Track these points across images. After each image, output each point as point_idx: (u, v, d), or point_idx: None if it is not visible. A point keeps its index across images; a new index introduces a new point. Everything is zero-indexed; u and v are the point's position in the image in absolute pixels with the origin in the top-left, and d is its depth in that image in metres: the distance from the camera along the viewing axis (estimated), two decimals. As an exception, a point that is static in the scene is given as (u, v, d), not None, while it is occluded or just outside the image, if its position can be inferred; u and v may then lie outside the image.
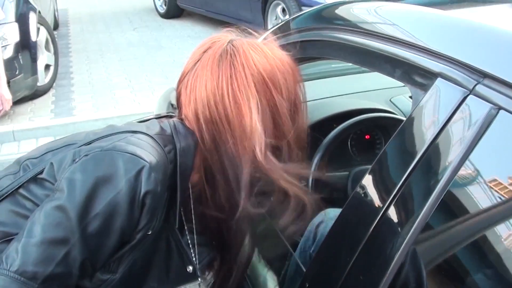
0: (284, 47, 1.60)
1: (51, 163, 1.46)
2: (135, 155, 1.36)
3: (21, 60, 6.36)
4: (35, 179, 1.47)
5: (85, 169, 1.35)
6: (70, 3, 13.13)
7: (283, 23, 2.01)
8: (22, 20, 6.47)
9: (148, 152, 1.39)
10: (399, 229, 1.13)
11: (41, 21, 7.24)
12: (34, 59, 6.67)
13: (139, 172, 1.34)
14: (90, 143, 1.46)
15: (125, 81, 7.61)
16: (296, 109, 1.56)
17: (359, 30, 1.48)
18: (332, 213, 1.98)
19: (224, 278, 1.77)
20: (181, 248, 1.59)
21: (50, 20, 8.71)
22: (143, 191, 1.35)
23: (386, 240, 1.16)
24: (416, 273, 1.14)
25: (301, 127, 1.58)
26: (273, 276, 1.86)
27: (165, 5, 11.50)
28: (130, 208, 1.35)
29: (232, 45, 1.52)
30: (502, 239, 0.97)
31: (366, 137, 2.66)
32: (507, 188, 0.97)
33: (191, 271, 1.62)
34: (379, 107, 2.71)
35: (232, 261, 1.74)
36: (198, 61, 1.53)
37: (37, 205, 1.40)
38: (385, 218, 1.16)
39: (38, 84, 6.90)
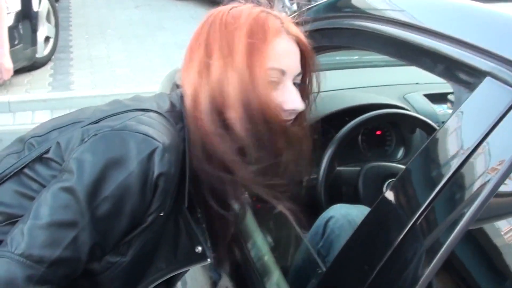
0: (310, 34, 1.52)
1: (58, 142, 1.39)
2: (148, 136, 1.29)
3: (21, 30, 6.28)
4: (40, 159, 1.40)
5: (95, 150, 1.29)
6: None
7: (304, 10, 1.94)
8: (24, -11, 6.39)
9: (161, 132, 1.32)
10: (436, 235, 1.06)
11: (44, -9, 7.13)
12: (34, 30, 6.61)
13: (151, 154, 1.28)
14: (98, 122, 1.39)
15: (125, 59, 7.55)
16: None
17: (396, 21, 1.40)
18: (343, 209, 1.92)
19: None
20: (190, 228, 1.53)
21: (52, -9, 8.63)
22: (156, 173, 1.29)
23: (417, 252, 1.08)
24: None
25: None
26: (279, 268, 1.80)
27: (169, -16, 11.42)
28: (141, 191, 1.29)
29: (228, 12, 1.46)
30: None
31: (377, 132, 2.61)
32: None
33: (200, 252, 1.55)
34: (392, 103, 2.64)
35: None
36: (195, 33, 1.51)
37: (43, 186, 1.34)
38: (417, 228, 1.08)
39: (37, 55, 6.84)
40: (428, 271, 1.02)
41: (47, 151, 1.40)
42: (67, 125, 1.45)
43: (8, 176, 1.39)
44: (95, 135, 1.31)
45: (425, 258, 1.04)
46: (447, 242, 1.00)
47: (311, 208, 2.14)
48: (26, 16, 6.38)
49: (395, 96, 2.82)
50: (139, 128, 1.30)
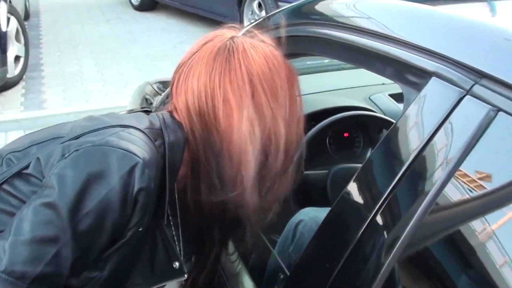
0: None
1: (38, 158, 1.40)
2: (129, 151, 1.31)
3: (-11, 51, 6.23)
4: (20, 174, 1.41)
5: (76, 165, 1.30)
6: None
7: (263, 18, 1.96)
8: (-9, 10, 6.36)
9: (141, 148, 1.34)
10: (390, 233, 1.09)
11: (12, 11, 7.09)
12: (3, 50, 6.53)
13: (132, 169, 1.30)
14: (79, 137, 1.40)
15: (97, 74, 7.52)
16: (291, 120, 1.51)
17: (347, 26, 1.43)
18: (311, 212, 1.94)
19: (198, 274, 1.73)
20: (167, 244, 1.55)
21: (20, 10, 8.56)
22: (136, 188, 1.30)
23: (376, 245, 1.11)
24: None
25: (294, 140, 1.53)
26: (251, 275, 1.82)
27: (139, -3, 11.43)
28: (122, 206, 1.30)
29: (233, 41, 1.48)
30: (500, 244, 0.93)
31: (345, 135, 2.64)
32: (507, 193, 0.93)
33: (177, 267, 1.57)
34: (358, 105, 2.68)
35: (207, 257, 1.70)
36: (196, 52, 1.49)
37: (23, 202, 1.35)
38: (375, 222, 1.11)
39: (8, 76, 6.76)
40: (387, 264, 1.05)
41: (26, 167, 1.40)
42: (46, 141, 1.46)
43: None
44: (76, 150, 1.32)
45: (384, 251, 1.07)
46: (404, 234, 1.03)
47: (281, 213, 2.16)
48: (-6, 37, 6.33)
49: (361, 98, 2.86)
50: (120, 143, 1.32)
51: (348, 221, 1.21)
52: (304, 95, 2.74)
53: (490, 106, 0.98)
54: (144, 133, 1.40)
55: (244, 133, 1.42)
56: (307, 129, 2.36)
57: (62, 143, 1.40)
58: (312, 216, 1.91)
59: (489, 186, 0.97)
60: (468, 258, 1.03)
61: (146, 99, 3.26)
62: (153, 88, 3.32)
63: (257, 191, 1.48)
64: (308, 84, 2.89)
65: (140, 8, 11.42)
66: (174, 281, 1.63)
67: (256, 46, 1.47)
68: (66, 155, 1.33)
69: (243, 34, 1.55)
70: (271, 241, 1.88)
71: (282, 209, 2.10)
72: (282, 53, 1.51)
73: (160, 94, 3.04)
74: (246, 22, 7.79)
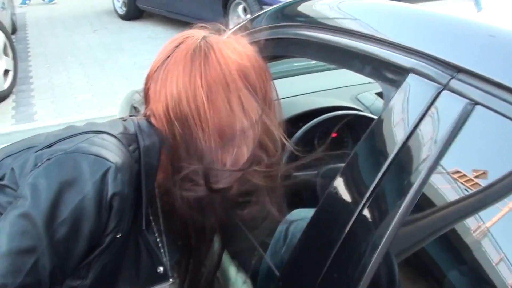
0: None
1: (12, 169, 1.40)
2: (100, 157, 1.31)
3: (-22, 66, 6.23)
4: None
5: (48, 174, 1.30)
6: (26, 6, 12.97)
7: (245, 21, 1.97)
8: (-22, 25, 6.36)
9: (113, 152, 1.34)
10: (375, 229, 1.10)
11: (-2, 25, 7.09)
12: (-8, 65, 6.52)
13: (105, 174, 1.29)
14: (51, 146, 1.40)
15: (86, 85, 7.51)
16: (269, 107, 1.53)
17: (324, 26, 1.44)
18: (302, 213, 1.95)
19: (194, 279, 1.73)
20: (150, 249, 1.55)
21: (7, 24, 8.56)
22: (110, 193, 1.30)
23: (362, 241, 1.13)
24: (392, 274, 1.12)
25: (274, 125, 1.54)
26: (244, 278, 1.83)
27: (125, 6, 11.41)
28: (97, 212, 1.30)
29: (206, 41, 1.48)
30: (480, 237, 0.95)
31: (333, 135, 2.64)
32: (484, 186, 0.94)
33: (161, 272, 1.58)
34: (345, 105, 2.68)
35: (200, 262, 1.70)
36: (169, 56, 1.48)
37: (0, 214, 1.34)
38: (360, 219, 1.13)
39: (-3, 90, 6.75)
40: (375, 258, 1.06)
41: (1, 178, 1.41)
42: (20, 151, 1.46)
43: None
44: (48, 159, 1.32)
45: (371, 244, 1.08)
46: (390, 228, 1.05)
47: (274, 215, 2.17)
48: (-18, 51, 6.33)
49: (348, 98, 2.87)
50: (91, 149, 1.32)
51: (335, 217, 1.23)
52: (291, 96, 2.77)
53: (467, 100, 0.99)
54: (117, 138, 1.40)
55: (235, 128, 1.43)
56: (294, 131, 2.38)
57: (36, 152, 1.40)
58: (303, 217, 1.92)
59: (468, 181, 0.98)
60: (455, 250, 1.05)
61: (135, 108, 3.26)
62: (141, 96, 3.32)
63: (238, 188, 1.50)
64: (296, 85, 2.91)
65: (126, 17, 11.43)
66: (159, 286, 1.64)
67: (230, 43, 1.49)
68: (39, 164, 1.32)
69: (231, 34, 1.57)
70: (263, 244, 1.89)
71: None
72: (255, 49, 1.53)
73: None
74: (231, 27, 7.81)
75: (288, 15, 1.73)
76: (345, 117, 2.54)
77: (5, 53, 7.22)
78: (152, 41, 9.47)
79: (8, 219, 1.26)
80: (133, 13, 11.37)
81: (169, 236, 1.64)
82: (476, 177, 0.97)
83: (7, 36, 7.38)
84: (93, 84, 7.52)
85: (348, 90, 2.96)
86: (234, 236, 1.86)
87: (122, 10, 11.56)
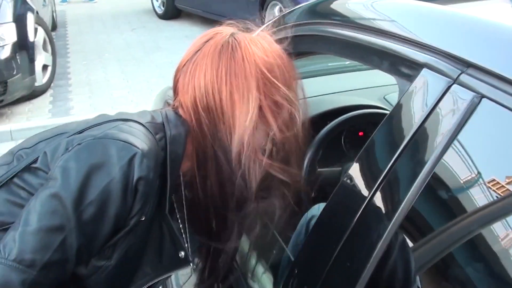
0: (278, 41, 1.63)
1: (45, 152, 1.48)
2: (128, 142, 1.38)
3: (18, 60, 6.36)
4: (29, 168, 1.49)
5: (78, 157, 1.37)
6: (68, 4, 13.16)
7: (277, 18, 2.03)
8: (19, 21, 6.49)
9: (140, 139, 1.41)
10: (384, 216, 1.16)
11: (39, 22, 7.26)
12: (31, 59, 6.69)
13: (131, 159, 1.37)
14: (82, 132, 1.48)
15: (122, 82, 7.65)
16: (293, 105, 1.58)
17: (348, 24, 1.50)
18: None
19: (214, 266, 1.79)
20: (173, 234, 1.62)
21: (48, 21, 8.73)
22: (135, 177, 1.37)
23: (371, 227, 1.18)
24: (401, 258, 1.17)
25: (299, 124, 1.60)
26: (267, 271, 1.88)
27: (163, 6, 11.53)
28: (123, 195, 1.37)
29: (234, 38, 1.55)
30: (484, 222, 0.99)
31: (359, 133, 2.68)
32: (488, 173, 1.00)
33: (183, 257, 1.65)
34: (372, 104, 2.72)
35: (220, 249, 1.76)
36: (198, 50, 1.56)
37: (32, 194, 1.42)
38: (371, 205, 1.19)
39: (36, 84, 6.92)
40: (380, 245, 1.12)
41: (35, 161, 1.49)
42: (53, 136, 1.55)
43: None
44: (79, 144, 1.40)
45: (379, 231, 1.14)
46: (397, 214, 1.11)
47: (295, 209, 2.21)
48: (23, 46, 6.48)
49: (376, 98, 2.90)
50: (120, 135, 1.40)
51: (345, 207, 1.29)
52: (319, 95, 2.81)
53: (474, 93, 1.04)
54: (144, 126, 1.47)
55: (248, 123, 1.49)
56: (321, 127, 2.42)
57: (67, 137, 1.48)
58: (323, 212, 1.97)
59: (474, 167, 1.03)
60: (462, 241, 1.09)
61: (168, 103, 3.33)
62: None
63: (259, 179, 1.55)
64: (324, 84, 2.96)
65: (165, 16, 11.54)
66: (180, 270, 1.70)
67: (256, 41, 1.55)
68: (70, 149, 1.41)
69: (259, 32, 1.63)
70: (286, 237, 1.94)
71: (296, 205, 2.17)
72: (281, 47, 1.59)
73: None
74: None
75: (316, 12, 1.79)
76: (372, 115, 2.58)
77: (45, 49, 7.40)
78: (189, 41, 9.38)
79: (39, 199, 1.34)
80: (171, 13, 11.48)
81: (191, 224, 1.71)
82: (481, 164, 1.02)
83: (47, 33, 7.56)
84: (130, 81, 7.65)
85: (376, 91, 2.99)
86: (255, 226, 1.92)
87: (160, 10, 11.68)
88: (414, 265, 1.15)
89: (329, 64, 3.24)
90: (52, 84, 7.51)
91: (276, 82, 1.52)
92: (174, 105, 1.61)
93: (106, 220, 1.38)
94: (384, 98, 2.93)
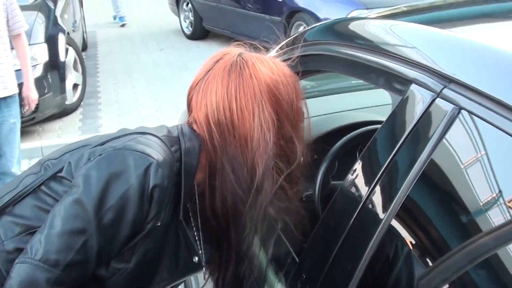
0: (284, 60, 1.76)
1: (69, 162, 1.62)
2: (144, 153, 1.52)
3: (50, 79, 6.54)
4: (55, 177, 1.63)
5: (99, 167, 1.52)
6: (98, 25, 13.39)
7: (288, 39, 2.16)
8: (51, 41, 6.67)
9: (155, 150, 1.54)
10: (373, 220, 1.29)
11: (70, 42, 7.46)
12: (62, 79, 6.87)
13: (147, 168, 1.50)
14: (103, 144, 1.63)
15: (150, 100, 7.83)
16: (297, 123, 1.71)
17: (350, 44, 1.64)
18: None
19: (226, 272, 1.88)
20: (188, 240, 1.74)
21: (79, 41, 8.92)
22: (151, 185, 1.50)
23: (363, 230, 1.31)
24: (392, 255, 1.29)
25: (299, 137, 1.72)
26: (277, 274, 1.99)
27: (191, 26, 11.68)
28: (140, 201, 1.50)
29: (242, 57, 1.68)
30: (464, 226, 1.12)
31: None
32: (465, 177, 1.12)
33: (196, 262, 1.76)
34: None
35: (232, 256, 1.85)
36: (209, 70, 1.69)
37: (57, 201, 1.56)
38: (362, 210, 1.32)
39: (66, 102, 7.11)
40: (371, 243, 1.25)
41: (60, 171, 1.63)
42: (77, 148, 1.69)
43: (28, 193, 1.63)
44: (100, 154, 1.54)
45: (371, 231, 1.27)
46: (387, 214, 1.25)
47: (309, 220, 2.32)
48: (54, 66, 6.67)
49: (386, 115, 3.00)
50: (137, 147, 1.54)
51: (345, 206, 1.42)
52: (334, 113, 2.92)
53: (454, 106, 1.17)
54: (160, 138, 1.60)
55: (257, 137, 1.61)
56: (336, 142, 2.53)
57: (90, 149, 1.63)
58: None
59: (455, 173, 1.16)
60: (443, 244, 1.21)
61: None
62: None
63: (270, 192, 1.66)
64: (340, 102, 3.07)
65: (193, 37, 11.66)
66: (194, 274, 1.83)
67: (262, 59, 1.68)
68: (92, 159, 1.56)
69: (277, 50, 1.76)
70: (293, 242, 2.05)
71: (309, 215, 2.28)
72: (286, 65, 1.72)
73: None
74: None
75: (323, 34, 1.94)
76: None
77: (75, 68, 7.60)
78: (216, 61, 9.64)
79: (63, 205, 1.49)
80: (199, 33, 11.61)
81: (204, 233, 1.82)
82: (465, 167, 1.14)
83: (77, 53, 7.77)
84: (157, 99, 7.82)
85: (388, 108, 3.09)
86: (267, 233, 2.04)
87: (188, 30, 11.82)
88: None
89: (342, 83, 3.35)
90: (82, 103, 7.69)
91: (280, 98, 1.64)
92: (189, 121, 1.73)
93: (124, 224, 1.51)
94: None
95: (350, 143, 2.49)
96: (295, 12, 8.58)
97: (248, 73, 1.64)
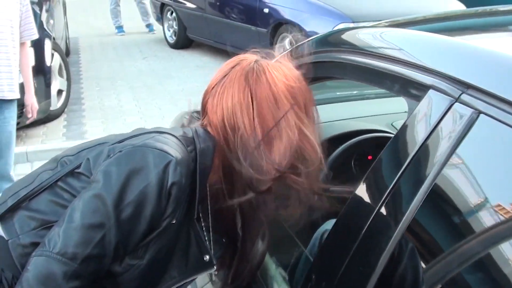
0: (297, 67, 1.79)
1: (88, 159, 1.66)
2: (163, 151, 1.55)
3: (35, 84, 6.43)
4: (72, 173, 1.66)
5: (119, 163, 1.55)
6: (80, 32, 13.32)
7: (295, 47, 2.20)
8: (37, 46, 6.60)
9: (174, 149, 1.58)
10: (390, 224, 1.32)
11: (55, 48, 7.44)
12: (48, 84, 6.84)
13: (166, 166, 1.53)
14: (122, 141, 1.65)
15: (135, 108, 7.84)
16: (312, 126, 1.75)
17: (363, 51, 1.68)
18: (335, 223, 2.14)
19: (237, 273, 1.93)
20: (199, 240, 1.77)
21: (62, 48, 8.89)
22: (170, 182, 1.54)
23: (379, 234, 1.35)
24: (407, 262, 1.32)
25: (314, 139, 1.75)
26: (284, 275, 2.01)
27: (175, 35, 11.70)
28: (158, 197, 1.53)
29: (258, 64, 1.72)
30: (480, 230, 1.15)
31: (368, 157, 2.82)
32: (485, 181, 1.16)
33: (207, 260, 1.79)
34: (381, 129, 2.87)
35: (244, 258, 1.90)
36: (226, 75, 1.72)
37: (74, 196, 1.59)
38: (379, 215, 1.35)
39: (51, 108, 7.08)
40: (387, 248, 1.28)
41: (78, 167, 1.66)
42: (95, 146, 1.73)
43: (44, 188, 1.66)
44: (120, 151, 1.58)
45: (386, 236, 1.30)
46: (400, 224, 1.27)
47: (309, 224, 2.35)
48: (40, 71, 6.60)
49: (384, 124, 3.05)
50: (156, 145, 1.57)
51: (358, 214, 1.45)
52: (329, 122, 2.96)
53: (473, 110, 1.21)
54: (178, 138, 1.64)
55: (278, 140, 1.65)
56: (331, 151, 2.57)
57: (109, 146, 1.66)
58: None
59: (473, 177, 1.19)
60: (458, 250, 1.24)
61: (193, 116, 3.47)
62: (187, 118, 3.54)
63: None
64: (335, 111, 3.11)
65: (176, 46, 11.68)
66: (204, 273, 1.86)
67: (278, 67, 1.72)
68: (111, 155, 1.59)
69: (280, 59, 1.79)
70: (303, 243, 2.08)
71: (311, 220, 2.31)
72: (300, 73, 1.76)
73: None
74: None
75: (333, 41, 1.98)
76: (380, 139, 2.72)
77: (60, 74, 7.58)
78: (200, 70, 9.75)
79: (83, 199, 1.52)
80: (183, 42, 11.62)
81: (215, 234, 1.86)
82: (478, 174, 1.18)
83: (63, 59, 7.76)
84: (142, 107, 7.84)
85: (385, 118, 3.14)
86: (276, 235, 2.06)
87: (172, 39, 11.84)
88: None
89: (337, 93, 3.39)
90: (66, 109, 7.68)
91: (298, 102, 1.69)
92: (203, 123, 1.76)
93: (142, 220, 1.54)
94: (391, 124, 3.08)
95: (344, 153, 2.53)
96: (281, 24, 8.62)
97: (265, 79, 1.67)
